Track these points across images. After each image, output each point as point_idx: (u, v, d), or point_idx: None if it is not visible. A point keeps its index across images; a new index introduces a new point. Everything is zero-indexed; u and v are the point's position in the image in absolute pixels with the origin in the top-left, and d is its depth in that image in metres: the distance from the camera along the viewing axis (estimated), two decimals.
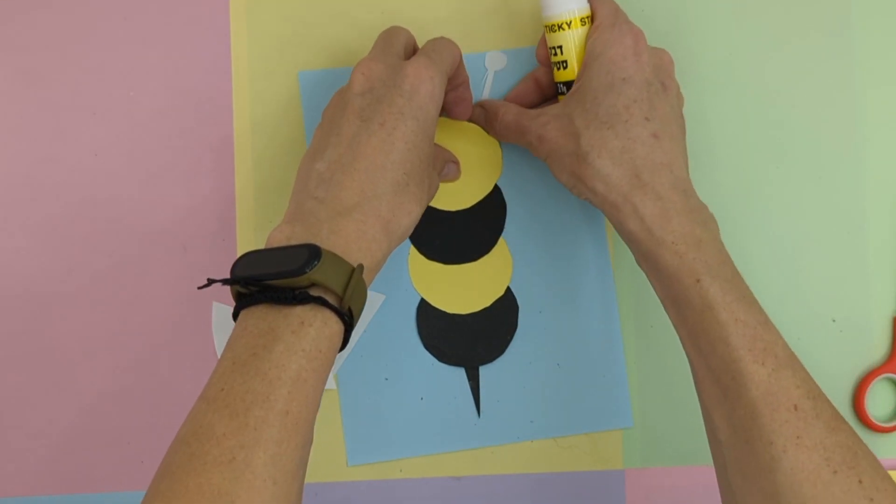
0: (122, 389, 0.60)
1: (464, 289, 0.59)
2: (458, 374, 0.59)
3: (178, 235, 0.60)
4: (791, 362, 0.46)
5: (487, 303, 0.60)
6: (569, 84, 0.54)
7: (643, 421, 0.59)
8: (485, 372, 0.59)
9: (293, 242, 0.45)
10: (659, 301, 0.58)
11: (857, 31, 0.60)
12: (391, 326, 0.59)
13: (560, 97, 0.55)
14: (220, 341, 0.59)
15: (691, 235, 0.48)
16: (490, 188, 0.60)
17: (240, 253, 0.59)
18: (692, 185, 0.51)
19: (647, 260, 0.50)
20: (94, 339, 0.60)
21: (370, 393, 0.59)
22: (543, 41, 0.56)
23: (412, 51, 0.55)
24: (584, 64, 0.53)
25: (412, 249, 0.60)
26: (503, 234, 0.60)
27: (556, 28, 0.54)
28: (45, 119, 0.60)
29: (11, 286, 0.60)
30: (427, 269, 0.60)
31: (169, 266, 0.60)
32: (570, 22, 0.53)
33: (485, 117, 0.58)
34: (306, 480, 0.59)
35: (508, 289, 0.60)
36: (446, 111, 0.57)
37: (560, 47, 0.54)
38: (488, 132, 0.59)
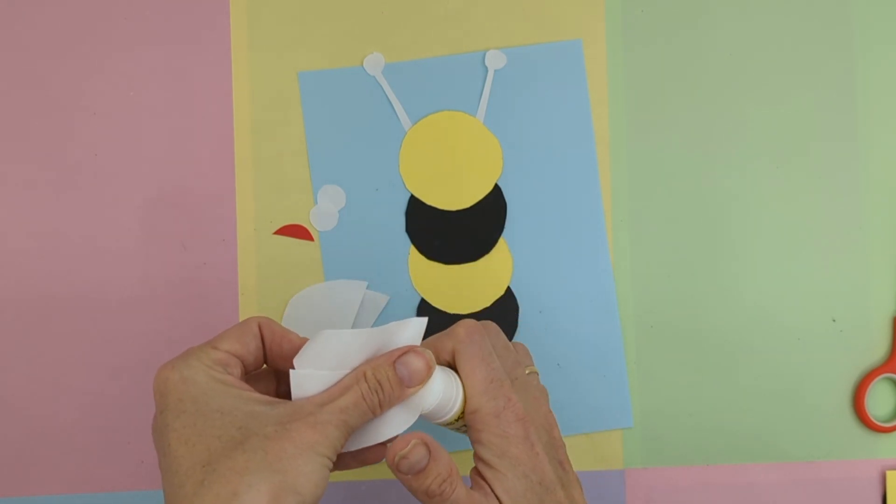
0: (122, 390, 0.59)
1: (464, 289, 0.59)
2: None
3: (177, 235, 0.60)
4: None
5: (487, 303, 0.60)
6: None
7: (643, 421, 0.59)
8: None
9: None
10: (658, 301, 0.58)
11: (857, 31, 0.60)
12: None
13: (464, 430, 0.47)
14: None
15: None
16: (490, 188, 0.60)
17: (239, 252, 0.60)
18: None
19: None
20: (94, 339, 0.60)
21: None
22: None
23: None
24: (489, 462, 0.45)
25: (412, 249, 0.60)
26: (503, 234, 0.60)
27: (447, 424, 0.47)
28: (45, 119, 0.60)
29: (11, 286, 0.60)
30: (427, 269, 0.59)
31: (169, 266, 0.60)
32: (459, 417, 0.46)
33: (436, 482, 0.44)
34: None
35: (508, 289, 0.60)
36: None
37: (456, 422, 0.47)
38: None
